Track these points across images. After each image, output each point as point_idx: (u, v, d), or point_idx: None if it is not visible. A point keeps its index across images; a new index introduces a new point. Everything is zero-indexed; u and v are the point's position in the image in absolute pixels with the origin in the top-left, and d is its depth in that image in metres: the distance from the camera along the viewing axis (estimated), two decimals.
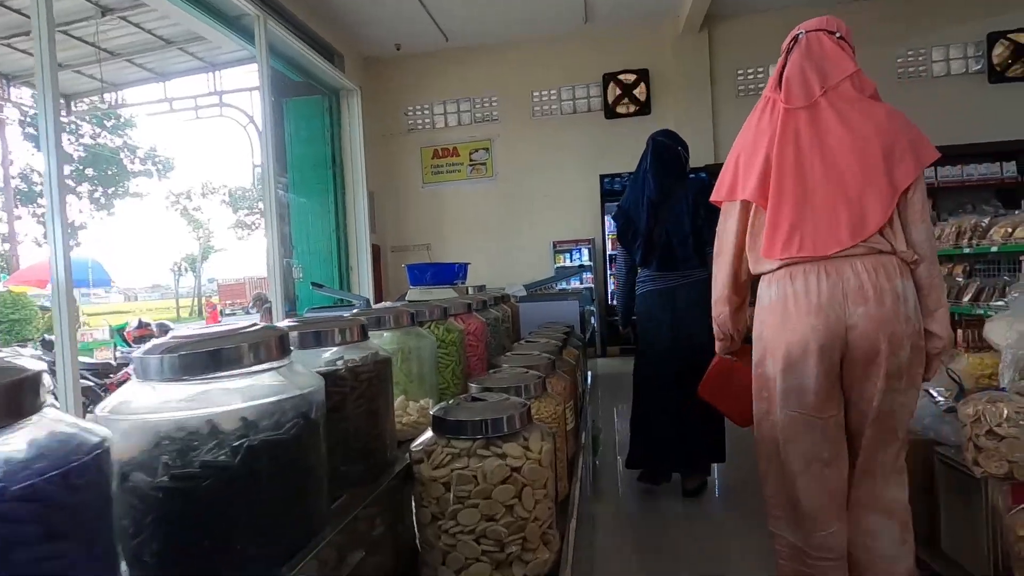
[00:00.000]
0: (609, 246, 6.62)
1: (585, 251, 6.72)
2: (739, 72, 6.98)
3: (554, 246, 6.80)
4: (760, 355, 1.44)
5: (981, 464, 1.41)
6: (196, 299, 25.53)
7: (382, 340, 1.03)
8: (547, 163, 7.28)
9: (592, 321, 6.57)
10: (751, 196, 1.43)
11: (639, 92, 7.04)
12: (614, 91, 7.10)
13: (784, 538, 1.43)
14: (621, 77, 7.07)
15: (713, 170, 6.68)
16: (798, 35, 1.53)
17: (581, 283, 6.70)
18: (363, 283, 6.75)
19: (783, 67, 1.50)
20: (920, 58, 6.68)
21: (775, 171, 1.39)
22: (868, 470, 1.38)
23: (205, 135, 60.39)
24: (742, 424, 1.69)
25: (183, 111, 8.83)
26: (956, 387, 1.64)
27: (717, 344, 1.63)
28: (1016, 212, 3.75)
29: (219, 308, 18.58)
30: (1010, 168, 6.21)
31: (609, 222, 6.68)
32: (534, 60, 7.29)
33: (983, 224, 3.84)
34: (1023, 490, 1.39)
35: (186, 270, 26.69)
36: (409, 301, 2.69)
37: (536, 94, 7.36)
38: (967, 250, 3.80)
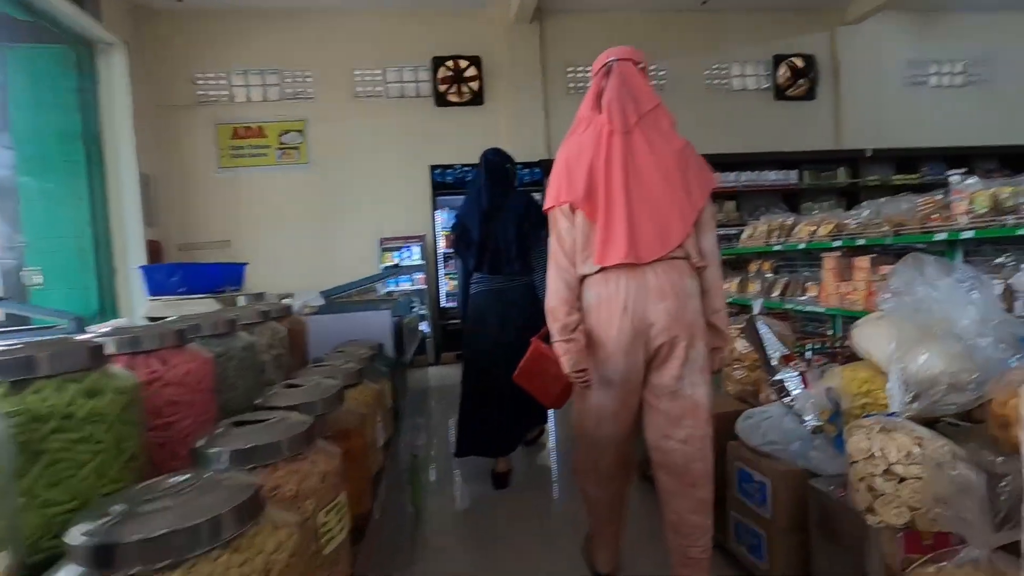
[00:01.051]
0: (442, 244, 6.10)
1: (416, 249, 6.11)
2: (569, 69, 6.94)
3: (381, 244, 6.08)
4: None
5: (877, 511, 1.13)
6: None
7: None
8: (372, 150, 6.52)
9: (423, 328, 6.00)
10: (577, 203, 1.55)
11: (471, 80, 6.63)
12: (445, 76, 6.59)
13: (587, 490, 1.72)
14: (452, 62, 6.59)
15: (546, 165, 6.54)
16: (609, 62, 1.62)
17: (412, 284, 6.08)
18: (135, 289, 5.34)
19: (599, 91, 1.62)
20: (723, 71, 7.26)
21: (604, 188, 1.54)
22: (681, 440, 1.55)
23: None
24: (551, 407, 1.94)
25: None
26: (828, 405, 1.37)
27: (566, 360, 1.57)
28: (814, 213, 4.02)
29: None
30: (793, 175, 7.02)
31: (441, 217, 6.16)
32: (356, 33, 6.48)
33: (788, 223, 4.07)
34: (918, 539, 1.13)
35: None
36: (149, 319, 1.89)
37: (358, 72, 6.55)
38: (776, 247, 3.98)
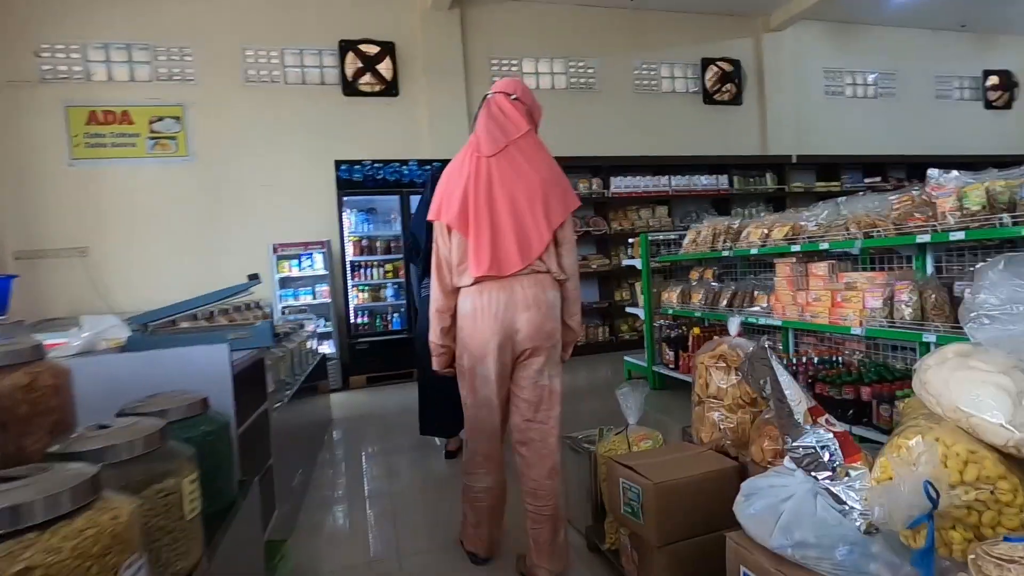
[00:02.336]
0: (351, 251, 5.32)
1: (318, 257, 5.28)
2: (493, 61, 6.40)
3: (275, 251, 5.19)
4: (460, 352, 1.82)
5: None
6: None
7: None
8: (266, 143, 5.63)
9: (326, 348, 5.19)
10: (451, 223, 1.73)
11: (384, 69, 5.91)
12: (354, 63, 5.84)
13: (484, 486, 1.88)
14: (362, 48, 5.85)
15: None
16: (487, 95, 1.83)
17: (314, 298, 5.25)
18: None
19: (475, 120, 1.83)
20: (652, 72, 6.99)
21: (472, 207, 1.71)
22: (540, 421, 1.80)
23: None
24: None
25: None
26: (924, 499, 0.83)
27: (436, 360, 1.90)
28: (763, 215, 3.67)
29: None
30: (724, 180, 6.83)
31: (349, 219, 5.38)
32: (248, 5, 5.59)
33: (734, 227, 3.70)
34: None
35: None
36: None
37: (250, 52, 5.65)
38: (726, 253, 3.59)
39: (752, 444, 1.54)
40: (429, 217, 1.82)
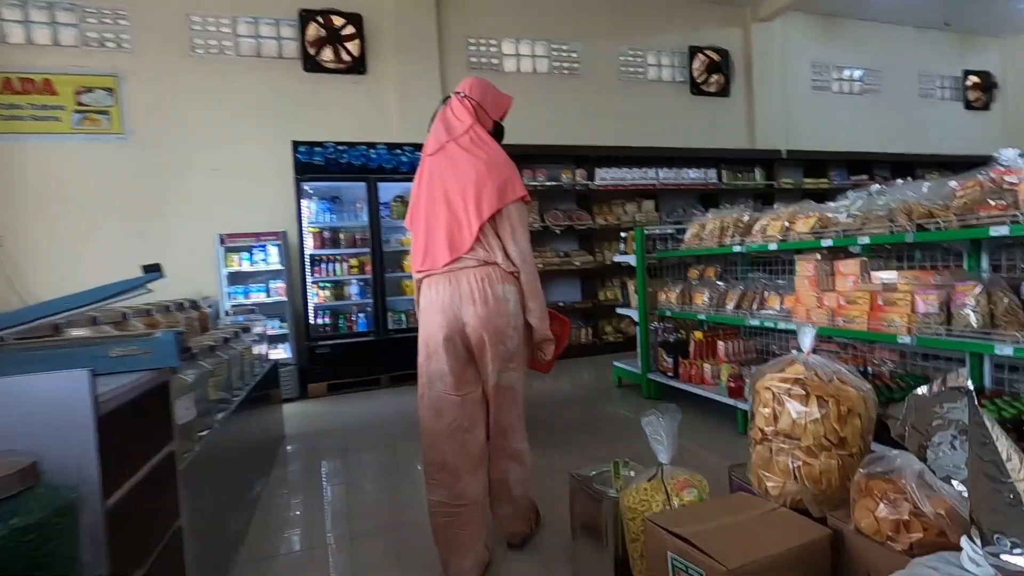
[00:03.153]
0: (311, 243, 4.75)
1: (273, 250, 4.70)
2: (471, 40, 5.90)
3: (222, 242, 4.58)
4: (418, 347, 1.81)
5: None
6: None
7: None
8: (215, 122, 5.01)
9: (280, 353, 4.62)
10: (407, 224, 1.88)
11: (351, 43, 5.35)
12: (317, 35, 5.26)
13: (437, 500, 1.74)
14: (325, 18, 5.28)
15: None
16: (444, 96, 1.90)
17: (268, 296, 4.67)
18: None
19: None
20: (638, 59, 6.61)
21: (412, 204, 1.85)
22: (500, 430, 1.83)
23: None
24: (545, 370, 2.05)
25: None
26: None
27: None
28: (776, 207, 3.29)
29: None
30: (712, 175, 6.50)
31: (309, 208, 4.81)
32: None
33: (744, 219, 3.31)
34: None
35: None
36: None
37: (197, 19, 5.02)
38: (737, 248, 3.19)
39: (854, 505, 1.11)
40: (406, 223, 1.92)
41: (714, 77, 6.87)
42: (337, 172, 4.73)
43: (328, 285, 4.84)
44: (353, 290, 4.91)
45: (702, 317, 3.48)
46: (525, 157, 5.66)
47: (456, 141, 1.76)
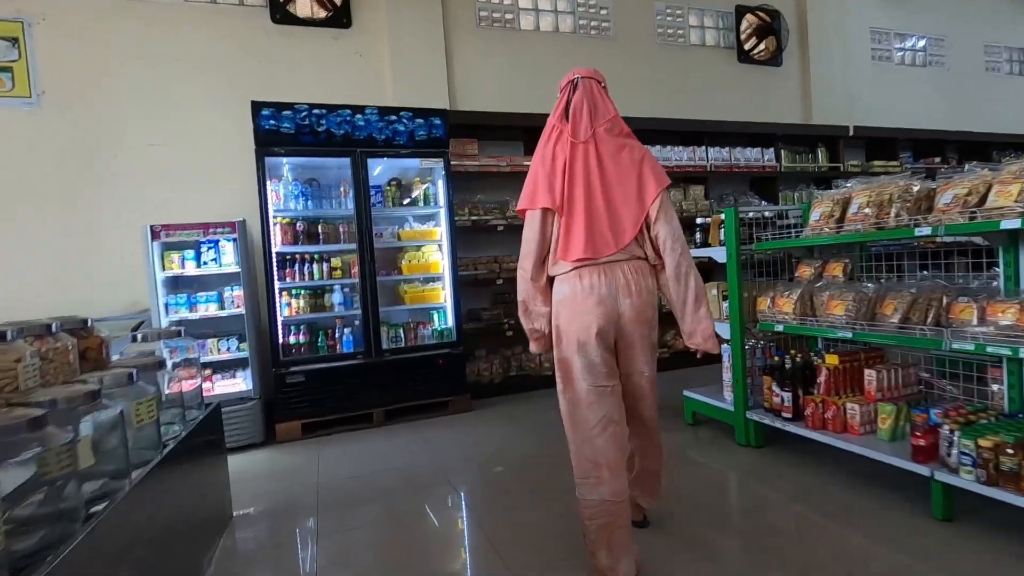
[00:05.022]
0: (279, 237, 3.62)
1: (228, 245, 3.53)
2: None
3: (154, 236, 3.38)
4: (557, 339, 1.76)
5: None
6: None
7: None
8: (153, 82, 3.88)
9: (243, 378, 3.48)
10: (553, 206, 1.74)
11: None
12: None
13: (590, 499, 1.70)
14: None
15: (451, 118, 4.34)
16: (575, 79, 1.82)
17: (222, 307, 3.52)
18: None
19: (566, 104, 1.81)
20: (678, 20, 5.54)
21: (568, 191, 1.74)
22: (650, 422, 1.89)
23: None
24: None
25: None
26: None
27: (534, 345, 1.86)
28: (918, 180, 2.18)
29: None
30: (770, 155, 5.44)
31: (276, 191, 3.67)
32: None
33: (914, 189, 2.22)
34: None
35: None
36: None
37: None
38: (925, 231, 2.08)
39: None
40: (520, 206, 1.82)
41: (764, 43, 5.82)
42: (313, 144, 3.60)
43: (303, 292, 3.71)
44: (336, 298, 3.78)
45: (841, 334, 2.38)
46: None
47: (604, 129, 1.78)
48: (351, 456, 3.19)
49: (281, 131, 3.52)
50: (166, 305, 3.37)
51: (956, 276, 2.36)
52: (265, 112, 3.50)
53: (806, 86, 5.99)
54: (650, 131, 5.02)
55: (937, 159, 6.34)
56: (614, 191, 1.72)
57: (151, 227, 3.28)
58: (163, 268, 3.39)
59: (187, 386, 2.20)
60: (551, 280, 1.79)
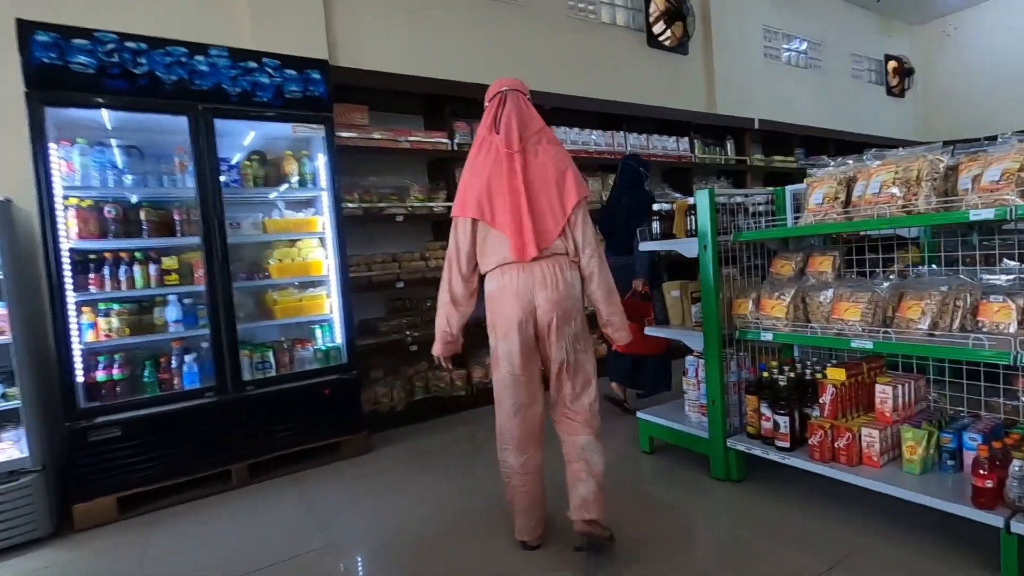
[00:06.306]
0: (75, 227, 2.45)
1: None
2: None
3: None
4: (490, 329, 1.91)
5: None
6: None
7: None
8: None
9: (9, 440, 2.26)
10: (481, 218, 1.85)
11: None
12: None
13: (505, 462, 1.93)
14: None
15: (330, 71, 3.38)
16: (504, 91, 1.90)
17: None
18: None
19: (495, 116, 1.89)
20: None
21: (496, 200, 1.83)
22: (581, 412, 1.91)
23: None
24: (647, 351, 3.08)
25: None
26: None
27: (439, 346, 1.98)
28: (998, 139, 1.81)
29: None
30: (684, 145, 5.14)
31: (70, 163, 2.50)
32: None
33: (939, 168, 1.81)
34: None
35: None
36: None
37: None
38: (982, 215, 1.65)
39: None
40: (453, 212, 1.91)
41: (671, 29, 5.55)
42: (128, 93, 2.49)
43: (117, 307, 2.58)
44: (171, 314, 2.69)
45: (861, 344, 1.91)
46: (453, 101, 3.82)
47: (531, 140, 1.86)
48: (195, 543, 2.18)
49: (71, 69, 2.37)
50: None
51: (959, 270, 2.01)
52: (42, 38, 2.32)
53: (710, 76, 5.83)
54: (567, 111, 4.46)
55: (824, 157, 6.55)
56: (539, 199, 1.83)
57: None
58: None
59: None
60: (481, 279, 1.92)
